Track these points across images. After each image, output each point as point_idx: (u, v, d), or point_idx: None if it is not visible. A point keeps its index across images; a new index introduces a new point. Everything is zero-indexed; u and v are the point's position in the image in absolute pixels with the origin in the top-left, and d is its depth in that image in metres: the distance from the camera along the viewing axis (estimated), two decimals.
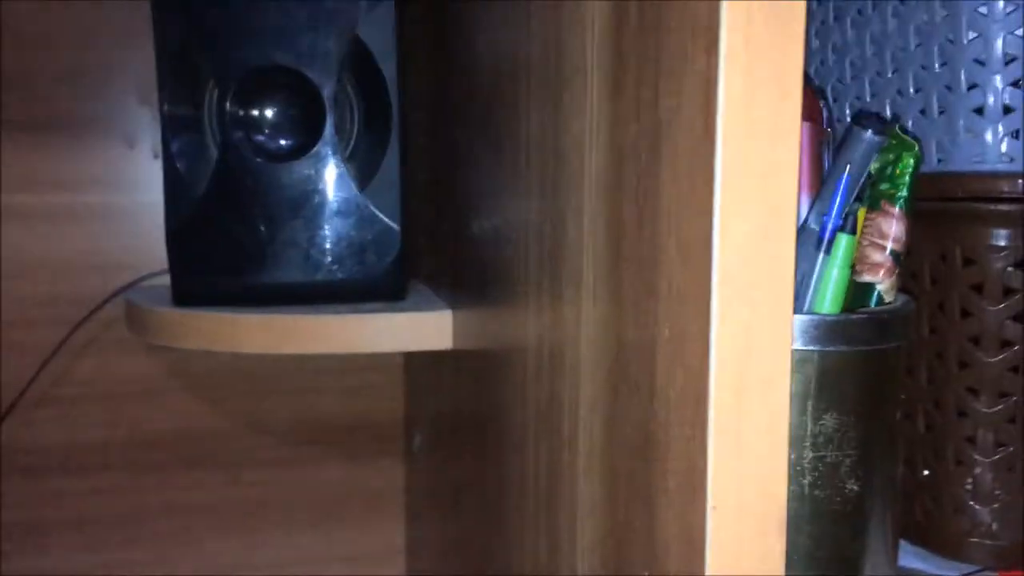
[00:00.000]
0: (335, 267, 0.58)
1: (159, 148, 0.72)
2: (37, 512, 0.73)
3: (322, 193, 0.57)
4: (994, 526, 0.38)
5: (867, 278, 0.34)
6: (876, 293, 0.35)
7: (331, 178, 0.57)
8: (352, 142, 0.58)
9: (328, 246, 0.58)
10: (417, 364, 0.73)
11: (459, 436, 0.56)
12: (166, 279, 0.70)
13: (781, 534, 0.24)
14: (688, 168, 0.25)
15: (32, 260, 0.71)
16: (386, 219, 0.58)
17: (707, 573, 0.24)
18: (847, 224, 0.32)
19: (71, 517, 0.74)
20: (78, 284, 0.71)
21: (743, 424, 0.24)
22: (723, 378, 0.23)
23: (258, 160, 0.57)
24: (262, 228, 0.57)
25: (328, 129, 0.57)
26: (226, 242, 0.57)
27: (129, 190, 0.72)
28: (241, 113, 0.57)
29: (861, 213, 0.33)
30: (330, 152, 0.57)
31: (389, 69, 0.57)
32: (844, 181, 0.32)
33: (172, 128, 0.57)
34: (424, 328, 0.55)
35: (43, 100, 0.71)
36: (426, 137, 0.64)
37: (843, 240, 0.32)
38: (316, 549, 0.79)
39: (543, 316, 0.38)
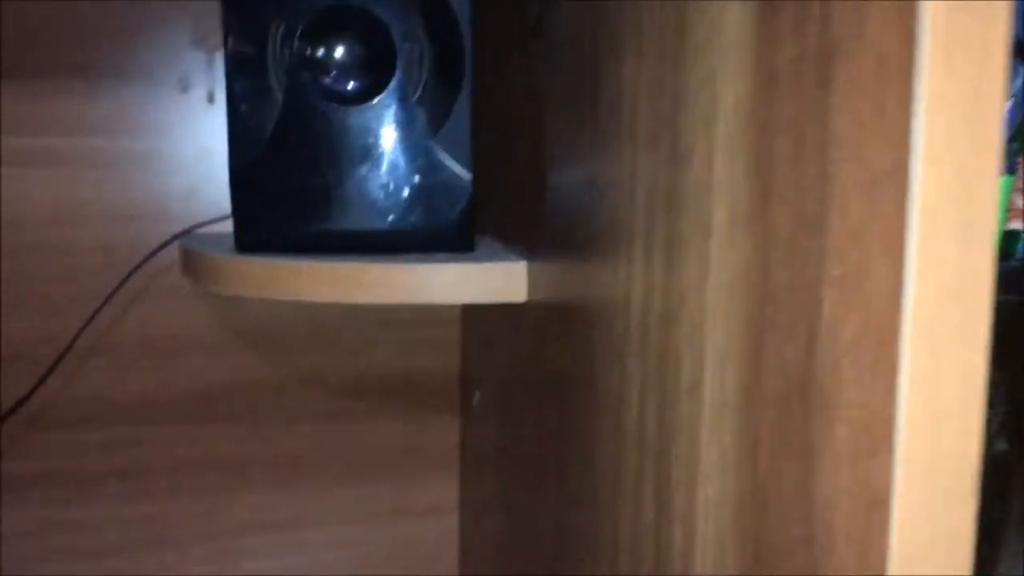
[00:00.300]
0: (402, 215, 0.56)
1: (214, 92, 0.70)
2: (85, 463, 0.72)
3: (391, 138, 0.55)
4: None
5: (1013, 226, 0.32)
6: (1021, 242, 0.32)
7: (400, 123, 0.55)
8: (422, 86, 0.56)
9: (396, 193, 0.56)
10: (477, 319, 0.71)
11: (531, 392, 0.54)
12: (220, 227, 0.69)
13: (973, 496, 0.22)
14: (874, 88, 0.22)
15: (83, 207, 0.69)
16: (457, 166, 0.56)
17: (891, 536, 0.22)
18: (1006, 164, 0.30)
19: (119, 468, 0.73)
20: (130, 231, 0.69)
21: (939, 370, 0.21)
22: (919, 318, 0.21)
23: (324, 103, 0.55)
24: (328, 173, 0.55)
25: (398, 71, 0.55)
26: (291, 187, 0.55)
27: (183, 136, 0.70)
28: (307, 54, 0.55)
29: None
30: (400, 95, 0.55)
31: (462, 8, 0.54)
32: (1007, 117, 0.29)
33: (236, 69, 0.55)
34: (498, 280, 0.53)
35: (92, 42, 0.68)
36: (496, 82, 0.62)
37: (1002, 182, 0.29)
38: (367, 505, 0.78)
39: (653, 264, 0.35)
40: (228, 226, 0.67)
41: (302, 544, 0.78)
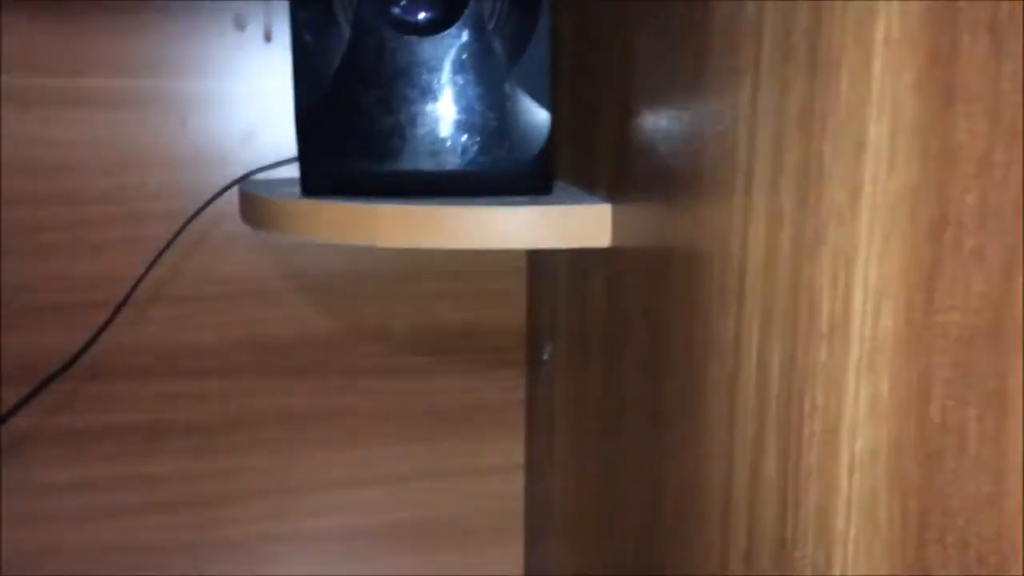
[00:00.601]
0: (478, 156, 0.53)
1: (271, 30, 0.67)
2: (148, 415, 0.71)
3: (465, 73, 0.52)
4: None
5: None
6: None
7: (475, 55, 0.52)
8: (498, 16, 0.52)
9: (471, 132, 0.52)
10: (546, 269, 0.68)
11: (615, 342, 0.51)
12: (279, 172, 0.66)
13: None
14: None
15: (135, 151, 0.67)
16: (535, 104, 0.52)
17: None
18: None
19: (180, 421, 0.71)
20: (186, 177, 0.66)
21: None
22: None
23: (394, 34, 0.52)
24: (398, 111, 0.52)
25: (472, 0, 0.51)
26: (359, 127, 0.52)
27: (239, 76, 0.67)
28: None
29: None
30: (475, 25, 0.51)
31: None
32: None
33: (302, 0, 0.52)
34: (581, 223, 0.50)
35: None
36: (575, 8, 0.58)
37: None
38: (430, 462, 0.76)
39: (780, 195, 0.32)
40: (286, 171, 0.64)
41: (363, 502, 0.76)
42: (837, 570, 0.29)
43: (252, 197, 0.57)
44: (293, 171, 0.64)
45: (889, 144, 0.26)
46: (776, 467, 0.33)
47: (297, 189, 0.56)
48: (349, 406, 0.73)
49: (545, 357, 0.68)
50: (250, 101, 0.67)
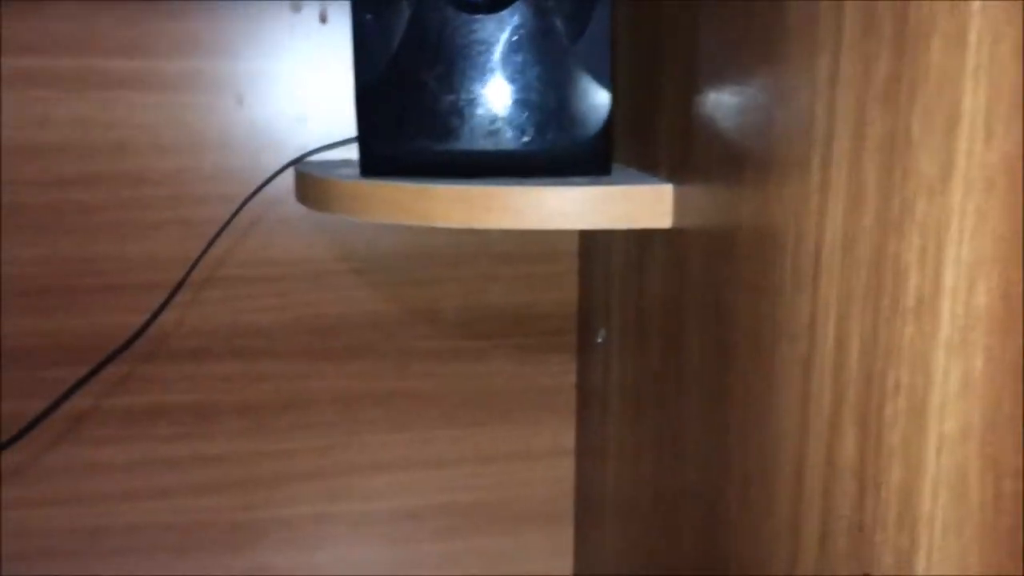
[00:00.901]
0: (537, 136, 0.52)
1: (327, 12, 0.67)
2: (202, 396, 0.71)
3: (525, 52, 0.51)
4: None
5: None
6: None
7: (536, 33, 0.51)
8: None
9: (530, 112, 0.52)
10: (599, 252, 0.68)
11: (676, 325, 0.50)
12: (333, 154, 0.66)
13: None
14: None
15: (190, 133, 0.67)
16: (595, 83, 0.52)
17: None
18: None
19: (235, 402, 0.72)
20: (240, 158, 0.67)
21: None
22: None
23: (455, 12, 0.51)
24: (458, 90, 0.52)
25: None
26: (419, 105, 0.52)
27: (294, 58, 0.67)
28: None
29: None
30: (536, 4, 0.51)
31: None
32: None
33: None
34: (642, 204, 0.49)
35: None
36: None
37: None
38: (481, 445, 0.76)
39: (863, 171, 0.31)
40: (336, 152, 0.65)
41: (413, 485, 0.76)
42: (923, 552, 0.28)
43: (309, 178, 0.57)
44: (343, 152, 0.65)
45: (986, 114, 0.25)
46: (854, 448, 0.32)
47: (352, 170, 0.57)
48: (401, 389, 0.73)
49: (599, 340, 0.67)
50: (304, 83, 0.67)
